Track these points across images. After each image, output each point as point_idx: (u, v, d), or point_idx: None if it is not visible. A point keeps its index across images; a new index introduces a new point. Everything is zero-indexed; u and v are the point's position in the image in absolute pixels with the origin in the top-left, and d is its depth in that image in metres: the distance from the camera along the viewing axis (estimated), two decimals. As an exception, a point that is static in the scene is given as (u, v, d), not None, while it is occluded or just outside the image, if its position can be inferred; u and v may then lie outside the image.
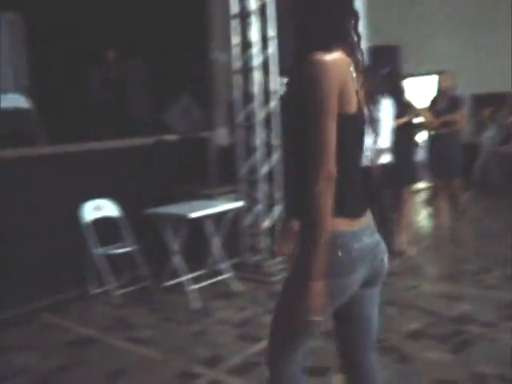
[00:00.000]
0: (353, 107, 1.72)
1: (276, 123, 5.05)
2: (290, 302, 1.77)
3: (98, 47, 6.28)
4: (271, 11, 4.93)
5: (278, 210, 5.13)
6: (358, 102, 1.75)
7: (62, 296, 4.63)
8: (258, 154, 5.07)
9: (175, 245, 4.50)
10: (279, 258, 4.91)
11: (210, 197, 5.12)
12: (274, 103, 5.06)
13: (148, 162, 5.27)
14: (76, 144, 4.93)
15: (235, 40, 5.05)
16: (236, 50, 5.07)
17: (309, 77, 1.67)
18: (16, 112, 5.19)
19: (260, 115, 5.05)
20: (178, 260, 4.48)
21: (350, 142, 1.76)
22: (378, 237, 1.86)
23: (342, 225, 1.73)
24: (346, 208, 1.74)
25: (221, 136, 5.88)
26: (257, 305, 4.35)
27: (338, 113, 1.67)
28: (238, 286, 4.73)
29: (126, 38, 5.84)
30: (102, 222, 4.69)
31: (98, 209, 4.79)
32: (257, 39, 4.98)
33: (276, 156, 5.10)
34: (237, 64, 5.07)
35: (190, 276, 4.58)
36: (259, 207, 5.12)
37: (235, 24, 5.04)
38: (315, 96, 1.66)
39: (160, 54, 5.74)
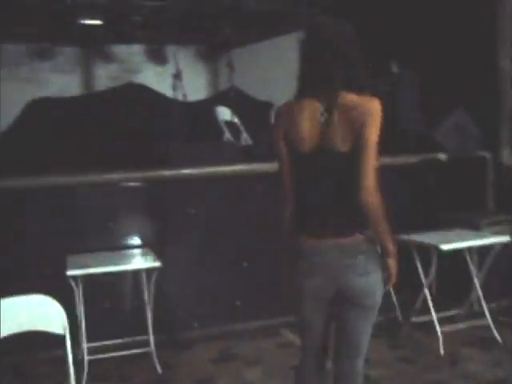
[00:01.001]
0: (305, 146, 2.10)
1: None
2: None
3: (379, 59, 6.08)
4: None
5: None
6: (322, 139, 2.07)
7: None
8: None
9: (426, 277, 4.00)
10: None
11: (477, 226, 4.44)
12: None
13: (411, 181, 4.84)
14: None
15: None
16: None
17: None
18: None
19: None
20: (426, 295, 3.98)
21: (302, 177, 2.17)
22: (347, 259, 2.12)
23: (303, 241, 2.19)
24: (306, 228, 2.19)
25: (505, 156, 5.09)
26: (518, 362, 3.59)
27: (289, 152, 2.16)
28: (500, 335, 3.98)
29: (401, 48, 5.51)
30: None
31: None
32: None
33: None
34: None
35: (442, 315, 4.03)
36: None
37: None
38: None
39: (433, 64, 5.24)
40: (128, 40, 7.95)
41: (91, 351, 3.75)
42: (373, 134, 2.03)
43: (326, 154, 2.08)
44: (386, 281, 2.21)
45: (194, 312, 4.40)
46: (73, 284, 3.57)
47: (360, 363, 2.33)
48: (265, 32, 7.16)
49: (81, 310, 3.73)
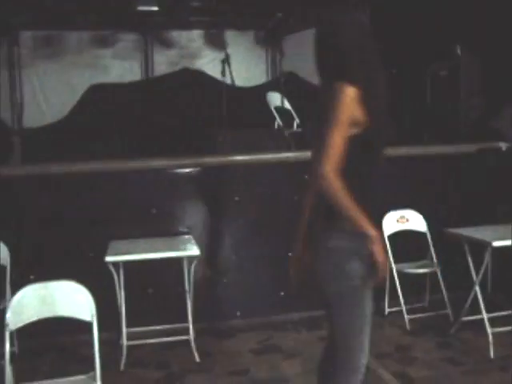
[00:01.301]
0: None
1: None
2: None
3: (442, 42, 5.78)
4: None
5: None
6: None
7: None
8: None
9: (476, 275, 3.78)
10: None
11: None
12: None
13: (468, 171, 4.58)
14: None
15: None
16: None
17: None
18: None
19: None
20: (477, 293, 3.75)
21: None
22: None
23: None
24: None
25: None
26: None
27: None
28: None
29: (465, 32, 5.20)
30: (402, 235, 4.28)
31: (403, 220, 4.39)
32: None
33: None
34: None
35: (495, 315, 3.80)
36: None
37: None
38: None
39: (498, 49, 4.90)
40: (187, 26, 7.94)
41: (131, 337, 3.79)
42: (329, 118, 2.02)
43: None
44: (373, 270, 2.05)
45: (237, 301, 4.36)
46: (112, 270, 3.60)
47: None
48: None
49: (121, 295, 3.77)
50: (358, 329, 2.14)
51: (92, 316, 2.66)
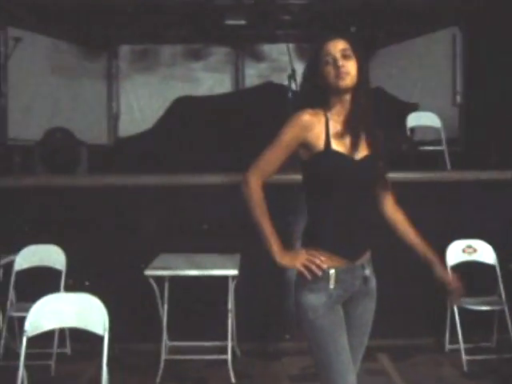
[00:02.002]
0: None
1: None
2: None
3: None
4: None
5: None
6: None
7: (412, 340, 4.14)
8: None
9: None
10: None
11: None
12: None
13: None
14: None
15: None
16: None
17: None
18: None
19: None
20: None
21: None
22: None
23: None
24: None
25: None
26: None
27: None
28: None
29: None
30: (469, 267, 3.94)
31: (470, 250, 4.04)
32: None
33: None
34: None
35: None
36: None
37: None
38: None
39: None
40: (277, 39, 7.92)
41: (172, 351, 3.80)
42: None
43: None
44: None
45: (287, 324, 4.23)
46: (152, 283, 3.63)
47: None
48: (414, 29, 6.66)
49: (164, 308, 3.79)
50: (323, 360, 2.04)
51: (104, 330, 2.67)
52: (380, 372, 3.79)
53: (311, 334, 2.06)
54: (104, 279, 4.13)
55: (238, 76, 8.10)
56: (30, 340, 3.97)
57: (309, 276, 2.01)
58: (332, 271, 2.04)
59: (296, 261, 2.03)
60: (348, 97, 2.08)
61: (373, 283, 2.18)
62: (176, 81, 8.06)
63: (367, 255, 2.15)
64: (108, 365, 3.87)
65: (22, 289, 4.04)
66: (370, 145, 2.13)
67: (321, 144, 2.04)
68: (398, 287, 3.99)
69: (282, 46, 8.12)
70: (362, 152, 2.10)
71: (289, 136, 2.05)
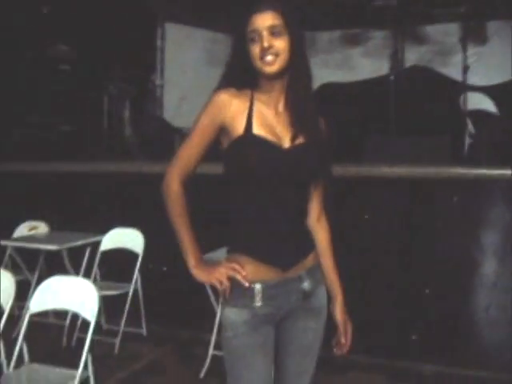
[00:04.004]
0: None
1: None
2: None
3: None
4: None
5: None
6: None
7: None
8: None
9: None
10: None
11: None
12: None
13: None
14: None
15: None
16: None
17: None
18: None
19: None
20: None
21: None
22: None
23: None
24: None
25: None
26: None
27: None
28: None
29: None
30: None
31: None
32: None
33: None
34: None
35: None
36: None
37: None
38: None
39: None
40: (442, 19, 7.11)
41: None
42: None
43: None
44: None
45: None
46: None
47: None
48: None
49: (214, 303, 3.69)
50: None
51: (92, 316, 2.67)
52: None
53: (225, 353, 1.76)
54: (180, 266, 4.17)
55: (396, 61, 7.50)
56: (107, 316, 4.27)
57: (223, 293, 1.72)
58: (258, 286, 1.71)
59: (211, 275, 1.71)
60: (280, 79, 1.75)
61: (318, 298, 1.82)
62: (333, 67, 7.78)
63: (307, 264, 1.78)
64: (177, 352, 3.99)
65: (106, 268, 4.30)
66: (306, 133, 1.76)
67: (240, 128, 1.70)
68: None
69: (447, 26, 7.36)
70: (295, 141, 1.74)
71: (205, 119, 1.73)
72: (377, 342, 3.70)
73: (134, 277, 4.12)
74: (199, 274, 1.73)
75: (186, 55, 7.20)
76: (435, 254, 3.59)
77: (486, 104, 4.93)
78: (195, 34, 7.31)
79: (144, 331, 4.24)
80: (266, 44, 1.68)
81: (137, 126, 5.86)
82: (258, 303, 1.71)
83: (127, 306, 4.08)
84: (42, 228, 4.56)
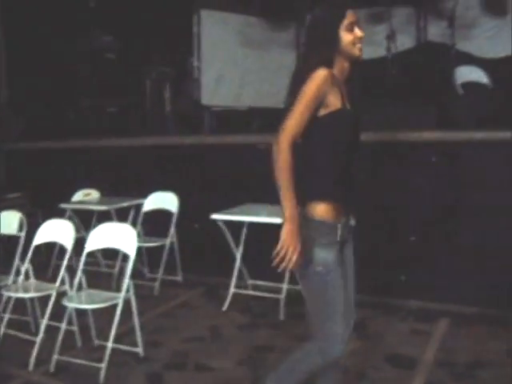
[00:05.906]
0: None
1: None
2: None
3: None
4: None
5: None
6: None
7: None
8: None
9: None
10: None
11: None
12: None
13: None
14: None
15: None
16: None
17: None
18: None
19: None
20: None
21: None
22: None
23: None
24: None
25: None
26: None
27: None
28: None
29: None
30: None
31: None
32: None
33: None
34: None
35: None
36: None
37: None
38: None
39: None
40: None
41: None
42: (300, 94, 2.10)
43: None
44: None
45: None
46: (221, 225, 4.25)
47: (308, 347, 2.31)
48: None
49: (239, 250, 4.40)
50: (327, 312, 2.18)
51: (132, 250, 3.42)
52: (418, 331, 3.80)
53: (320, 287, 2.16)
54: (211, 223, 4.86)
55: (419, 36, 7.87)
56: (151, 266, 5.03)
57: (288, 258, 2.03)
58: (339, 225, 2.17)
59: (291, 239, 2.03)
60: (348, 63, 2.22)
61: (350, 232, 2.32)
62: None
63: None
64: (206, 294, 4.71)
65: (148, 225, 5.08)
66: (354, 104, 2.26)
67: (338, 102, 2.13)
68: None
69: (468, 1, 7.66)
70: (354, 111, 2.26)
71: (315, 94, 2.08)
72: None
73: (171, 232, 4.89)
74: (288, 228, 2.04)
75: (220, 38, 7.81)
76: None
77: (477, 75, 5.31)
78: (229, 18, 7.91)
79: (180, 278, 5.00)
80: (363, 34, 2.18)
81: (175, 104, 6.60)
82: (338, 238, 2.18)
83: (165, 256, 4.85)
84: (94, 194, 5.41)
